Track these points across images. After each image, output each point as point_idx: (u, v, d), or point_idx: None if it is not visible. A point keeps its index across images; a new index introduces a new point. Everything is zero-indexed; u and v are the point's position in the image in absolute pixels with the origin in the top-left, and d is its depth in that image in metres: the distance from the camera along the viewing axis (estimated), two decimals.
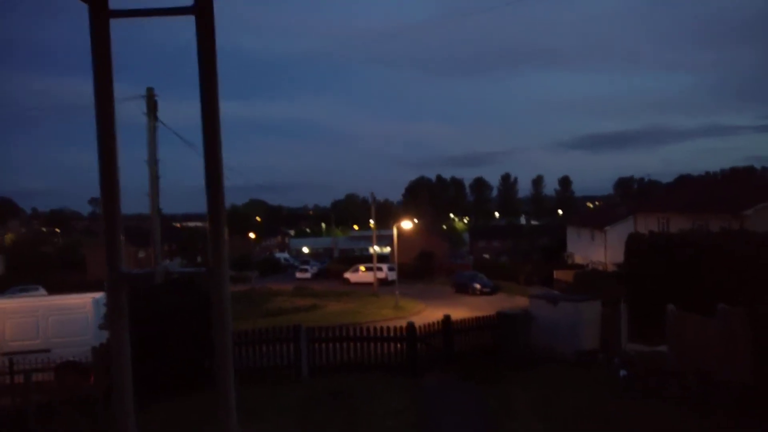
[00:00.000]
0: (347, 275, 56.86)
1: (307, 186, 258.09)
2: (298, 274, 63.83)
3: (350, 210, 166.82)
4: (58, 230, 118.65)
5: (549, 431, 11.40)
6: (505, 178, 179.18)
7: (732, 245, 18.52)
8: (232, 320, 1.83)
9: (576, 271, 42.12)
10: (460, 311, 29.24)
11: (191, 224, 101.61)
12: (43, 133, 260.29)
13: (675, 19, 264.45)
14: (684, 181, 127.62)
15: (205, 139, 1.75)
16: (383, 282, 49.88)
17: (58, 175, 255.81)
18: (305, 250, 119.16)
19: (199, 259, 70.60)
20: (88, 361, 15.45)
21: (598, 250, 48.66)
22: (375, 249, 51.35)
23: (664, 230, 36.73)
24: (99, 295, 18.29)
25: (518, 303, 31.50)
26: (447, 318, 18.65)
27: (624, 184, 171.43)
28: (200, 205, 1.76)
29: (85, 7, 1.72)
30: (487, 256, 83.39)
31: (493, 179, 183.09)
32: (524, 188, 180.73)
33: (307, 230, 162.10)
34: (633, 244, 22.25)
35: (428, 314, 31.46)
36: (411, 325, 17.47)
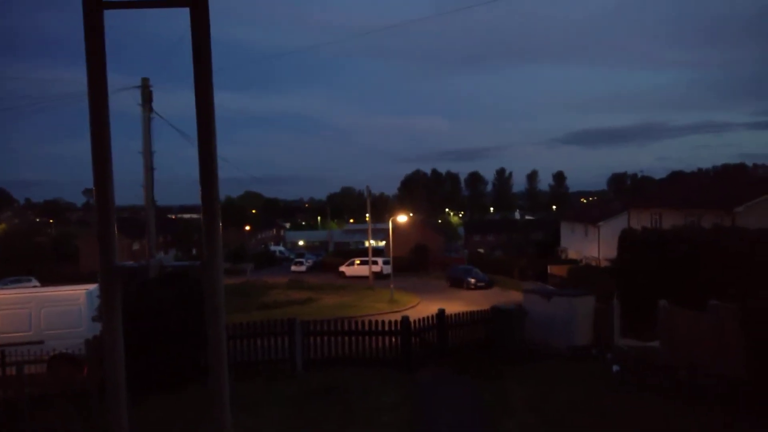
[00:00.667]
0: (342, 268, 56.93)
1: (303, 179, 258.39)
2: (294, 267, 63.88)
3: (346, 203, 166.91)
4: (51, 221, 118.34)
5: (545, 426, 11.42)
6: (500, 173, 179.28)
7: (726, 242, 18.60)
8: (227, 313, 1.82)
9: (570, 266, 42.25)
10: (455, 305, 29.32)
11: (186, 216, 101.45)
12: (38, 123, 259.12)
13: (669, 16, 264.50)
14: (677, 177, 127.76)
15: (199, 131, 1.73)
16: (378, 275, 49.99)
17: (53, 165, 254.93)
18: (301, 243, 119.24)
19: (194, 251, 70.59)
20: (81, 354, 15.41)
21: (592, 246, 48.81)
22: (370, 242, 51.41)
23: (657, 226, 36.85)
24: (93, 287, 18.24)
25: (513, 297, 31.59)
26: (442, 312, 18.66)
27: (618, 180, 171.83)
28: (195, 197, 1.76)
29: None
30: (481, 250, 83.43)
31: (488, 174, 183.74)
32: (519, 183, 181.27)
33: (303, 223, 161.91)
34: (626, 239, 22.28)
35: (423, 308, 31.56)
36: (406, 320, 17.48)
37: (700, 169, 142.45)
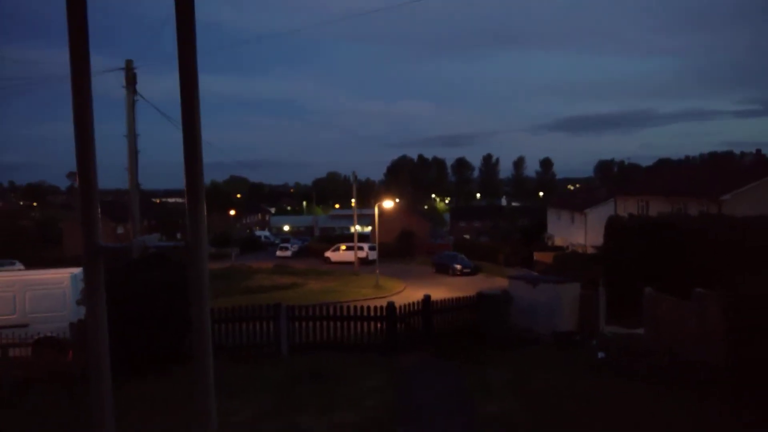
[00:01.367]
0: (328, 254, 56.89)
1: (289, 164, 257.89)
2: (279, 252, 63.79)
3: (331, 188, 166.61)
4: (35, 204, 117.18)
5: (527, 409, 11.53)
6: (487, 159, 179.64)
7: (716, 229, 18.75)
8: (212, 297, 1.81)
9: (556, 253, 42.52)
10: (440, 291, 29.45)
11: (171, 200, 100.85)
12: (22, 105, 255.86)
13: (657, 2, 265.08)
14: (664, 164, 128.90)
15: (183, 114, 1.72)
16: (364, 261, 50.06)
17: (37, 148, 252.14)
18: (286, 228, 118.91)
19: (178, 235, 70.14)
20: (66, 337, 15.35)
21: (578, 232, 49.11)
22: (356, 228, 51.38)
23: (643, 213, 37.15)
24: (77, 270, 18.12)
25: (498, 284, 31.74)
26: (427, 298, 18.73)
27: (604, 167, 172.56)
28: (180, 181, 1.73)
29: None
30: (467, 236, 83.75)
31: (475, 160, 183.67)
32: (506, 169, 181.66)
33: (288, 208, 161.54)
34: (612, 226, 22.45)
35: (408, 294, 31.64)
36: (391, 305, 17.52)
37: (687, 157, 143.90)
